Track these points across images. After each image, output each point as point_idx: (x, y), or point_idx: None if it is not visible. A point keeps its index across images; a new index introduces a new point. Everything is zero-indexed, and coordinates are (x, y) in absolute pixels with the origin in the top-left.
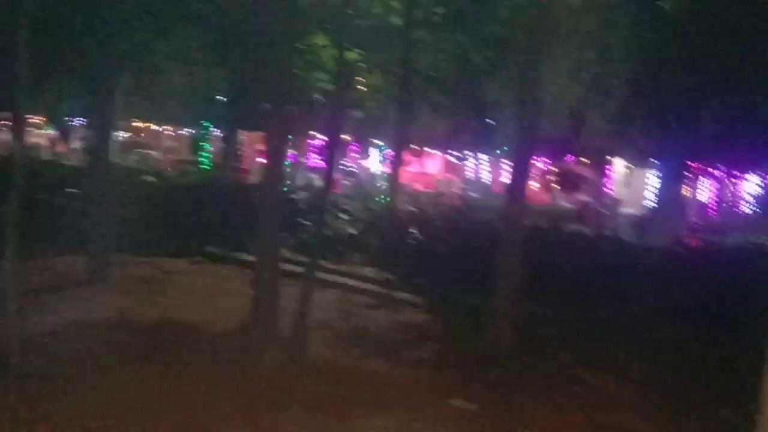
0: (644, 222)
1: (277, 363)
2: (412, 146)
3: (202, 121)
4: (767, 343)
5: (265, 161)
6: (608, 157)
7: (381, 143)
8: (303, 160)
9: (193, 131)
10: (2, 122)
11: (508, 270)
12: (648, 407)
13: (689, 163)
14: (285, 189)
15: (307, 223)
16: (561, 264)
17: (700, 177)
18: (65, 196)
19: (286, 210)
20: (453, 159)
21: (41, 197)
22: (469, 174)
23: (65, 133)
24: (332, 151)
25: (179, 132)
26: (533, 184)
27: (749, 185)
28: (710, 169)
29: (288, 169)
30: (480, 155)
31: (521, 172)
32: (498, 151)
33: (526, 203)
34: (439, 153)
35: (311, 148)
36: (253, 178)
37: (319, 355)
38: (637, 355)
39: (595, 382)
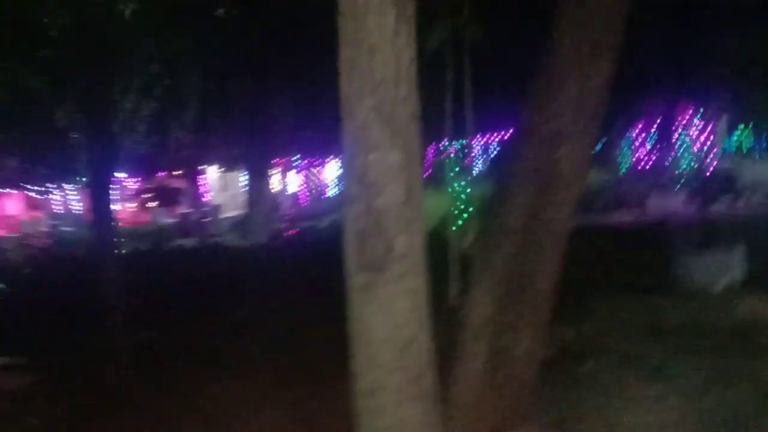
0: (245, 222)
1: None
2: None
3: None
4: None
5: None
6: (199, 166)
7: None
8: None
9: None
10: None
11: (113, 302)
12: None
13: (273, 160)
14: None
15: None
16: (164, 279)
17: (287, 171)
18: None
19: None
20: (35, 195)
21: None
22: (58, 208)
23: None
24: None
25: None
26: (130, 206)
27: (329, 171)
28: (294, 162)
29: None
30: (65, 185)
31: (102, 197)
32: (83, 179)
33: (114, 229)
34: (15, 191)
35: None
36: None
37: None
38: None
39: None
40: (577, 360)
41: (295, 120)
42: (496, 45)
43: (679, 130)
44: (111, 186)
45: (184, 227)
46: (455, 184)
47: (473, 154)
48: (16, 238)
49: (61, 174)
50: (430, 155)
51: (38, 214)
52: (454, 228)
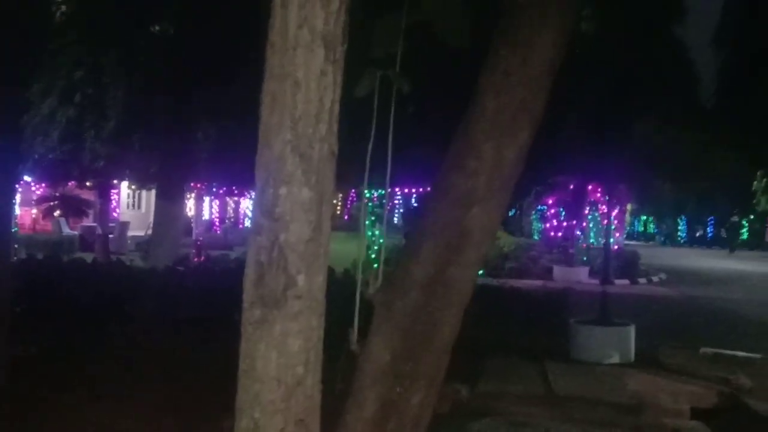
0: (151, 243)
1: None
2: None
3: None
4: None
5: None
6: (112, 180)
7: None
8: None
9: None
10: None
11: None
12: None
13: (190, 183)
14: None
15: None
16: (55, 292)
17: (203, 197)
18: None
19: None
20: None
21: None
22: None
23: None
24: None
25: None
26: (33, 212)
27: (247, 201)
28: (213, 189)
29: None
30: None
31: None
32: None
33: (10, 233)
34: None
35: None
36: None
37: None
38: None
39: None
40: (468, 419)
41: (216, 146)
42: (422, 100)
43: (589, 209)
44: (13, 188)
45: (86, 240)
46: (370, 231)
47: (392, 204)
48: None
49: None
50: (352, 200)
51: None
52: (362, 273)
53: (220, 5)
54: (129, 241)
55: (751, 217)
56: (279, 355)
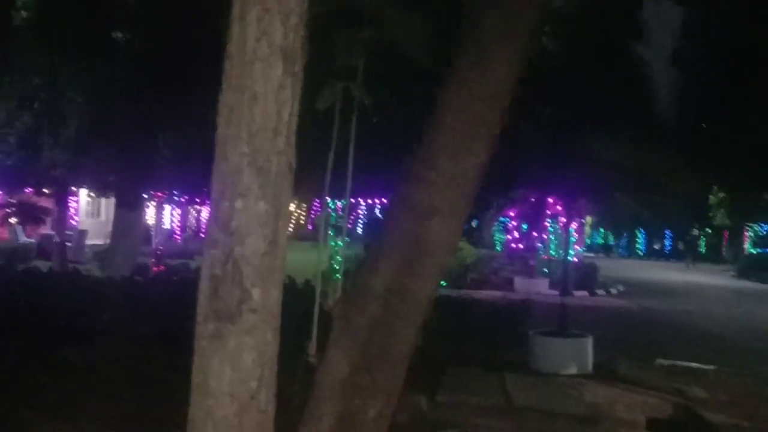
0: (109, 252)
1: None
2: None
3: None
4: None
5: None
6: (71, 188)
7: None
8: None
9: None
10: None
11: None
12: None
13: (150, 191)
14: None
15: None
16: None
17: (164, 205)
18: None
19: None
20: None
21: None
22: None
23: None
24: None
25: None
26: None
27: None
28: (174, 197)
29: None
30: None
31: None
32: None
33: None
34: None
35: None
36: None
37: None
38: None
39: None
40: (426, 430)
41: (176, 154)
42: (385, 112)
43: (549, 221)
44: None
45: (44, 249)
46: (332, 242)
47: (355, 214)
48: None
49: None
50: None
51: None
52: (322, 286)
53: (181, 13)
54: (87, 250)
55: (708, 230)
56: (232, 370)
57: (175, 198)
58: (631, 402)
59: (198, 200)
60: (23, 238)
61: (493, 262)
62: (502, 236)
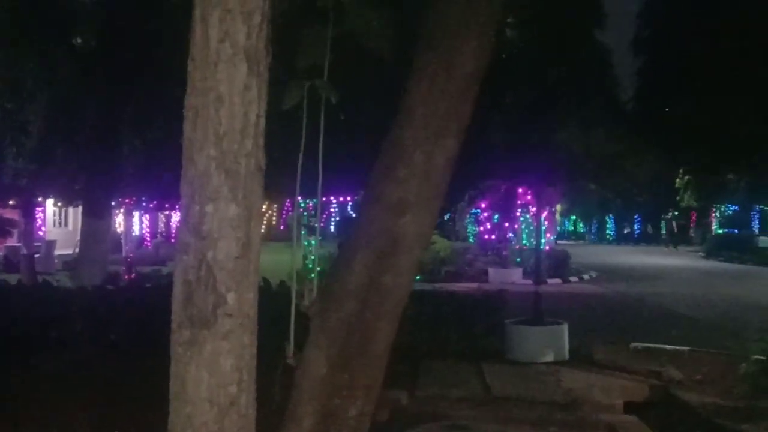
0: (79, 262)
1: None
2: None
3: None
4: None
5: None
6: (37, 198)
7: None
8: None
9: None
10: None
11: None
12: None
13: (118, 198)
14: None
15: None
16: None
17: (132, 212)
18: None
19: None
20: None
21: None
22: None
23: None
24: None
25: None
26: None
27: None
28: (143, 203)
29: None
30: None
31: None
32: None
33: None
34: None
35: None
36: None
37: None
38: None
39: None
40: (407, 425)
41: (143, 160)
42: (353, 109)
43: (520, 211)
44: None
45: (11, 261)
46: (306, 242)
47: (326, 214)
48: None
49: None
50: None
51: None
52: (297, 285)
53: (143, 17)
54: (56, 260)
55: (676, 213)
56: (210, 376)
57: (144, 204)
58: (608, 386)
59: (167, 205)
60: None
61: (467, 254)
62: (474, 228)
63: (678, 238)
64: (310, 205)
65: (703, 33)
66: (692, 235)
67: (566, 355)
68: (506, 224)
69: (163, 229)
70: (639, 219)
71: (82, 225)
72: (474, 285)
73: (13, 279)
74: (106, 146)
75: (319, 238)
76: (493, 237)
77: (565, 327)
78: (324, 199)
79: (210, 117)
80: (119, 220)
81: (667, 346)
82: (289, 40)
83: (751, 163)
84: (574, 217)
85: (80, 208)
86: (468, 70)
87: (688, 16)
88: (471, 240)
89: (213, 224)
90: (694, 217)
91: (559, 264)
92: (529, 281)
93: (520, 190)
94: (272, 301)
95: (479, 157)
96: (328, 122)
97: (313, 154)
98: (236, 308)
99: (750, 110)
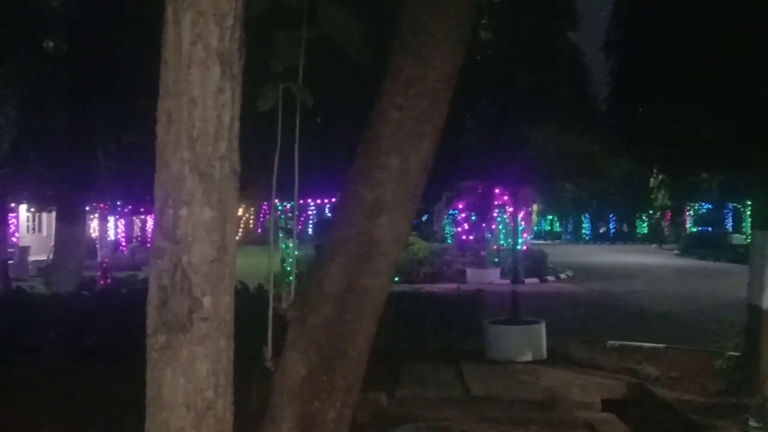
0: (53, 268)
1: None
2: None
3: None
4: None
5: None
6: (9, 203)
7: None
8: None
9: None
10: None
11: None
12: None
13: (92, 203)
14: None
15: None
16: None
17: (107, 216)
18: None
19: None
20: None
21: None
22: None
23: None
24: None
25: None
26: None
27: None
28: (118, 208)
29: None
30: None
31: None
32: None
33: None
34: None
35: None
36: None
37: None
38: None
39: None
40: (388, 427)
41: (118, 164)
42: (330, 111)
43: (497, 211)
44: None
45: None
46: (283, 245)
47: (303, 216)
48: None
49: None
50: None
51: None
52: (275, 288)
53: (116, 20)
54: (30, 267)
55: (650, 212)
56: (187, 381)
57: (119, 208)
58: (586, 384)
59: (143, 210)
60: None
61: (446, 255)
62: (452, 229)
63: (663, 238)
64: (288, 207)
65: (671, 36)
66: (667, 233)
67: (544, 354)
68: (484, 225)
69: (139, 234)
70: (614, 218)
71: (56, 230)
72: (452, 285)
73: None
74: (79, 150)
75: (296, 240)
76: (471, 237)
77: (542, 326)
78: (301, 201)
79: (183, 120)
80: (94, 225)
81: (643, 344)
82: (264, 43)
83: (721, 164)
84: (550, 217)
85: (54, 214)
86: (442, 72)
87: (658, 20)
88: (449, 241)
89: (187, 228)
90: (668, 216)
91: (536, 263)
92: (507, 281)
93: (497, 191)
94: (250, 305)
95: (456, 158)
96: (304, 124)
97: (290, 156)
98: (212, 312)
99: (718, 113)
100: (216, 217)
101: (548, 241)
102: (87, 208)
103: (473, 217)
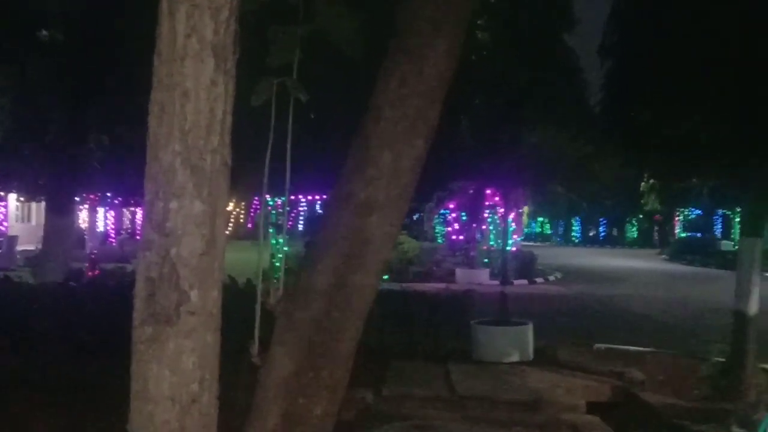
0: (41, 258)
1: None
2: None
3: None
4: None
5: None
6: None
7: None
8: None
9: None
10: None
11: None
12: None
13: (82, 194)
14: None
15: None
16: None
17: (97, 207)
18: None
19: None
20: None
21: None
22: None
23: None
24: None
25: None
26: None
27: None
28: (107, 199)
29: None
30: None
31: None
32: None
33: None
34: None
35: None
36: None
37: None
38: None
39: None
40: (374, 424)
41: (109, 155)
42: (323, 107)
43: (488, 212)
44: None
45: None
46: (273, 240)
47: (294, 212)
48: None
49: None
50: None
51: None
52: (263, 284)
53: (109, 10)
54: (18, 256)
55: (641, 216)
56: (172, 374)
57: (109, 200)
58: (572, 386)
59: (133, 202)
60: None
61: (436, 255)
62: (443, 228)
63: (667, 242)
64: (279, 203)
65: (666, 40)
66: (656, 238)
67: (531, 355)
68: (474, 225)
69: (129, 226)
70: (605, 222)
71: (46, 220)
72: (442, 285)
73: None
74: (71, 141)
75: (286, 236)
76: (461, 237)
77: (530, 327)
78: (292, 197)
79: (175, 112)
80: (83, 216)
81: (630, 348)
82: (260, 38)
83: (714, 169)
84: (541, 219)
85: (44, 204)
86: (438, 71)
87: (654, 23)
88: (439, 240)
89: (177, 221)
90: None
91: (526, 265)
92: (496, 282)
93: (489, 192)
94: (238, 300)
95: (448, 158)
96: (297, 120)
97: (282, 151)
98: (199, 306)
99: (713, 115)
100: (206, 210)
101: (538, 243)
102: (77, 199)
103: (464, 217)
